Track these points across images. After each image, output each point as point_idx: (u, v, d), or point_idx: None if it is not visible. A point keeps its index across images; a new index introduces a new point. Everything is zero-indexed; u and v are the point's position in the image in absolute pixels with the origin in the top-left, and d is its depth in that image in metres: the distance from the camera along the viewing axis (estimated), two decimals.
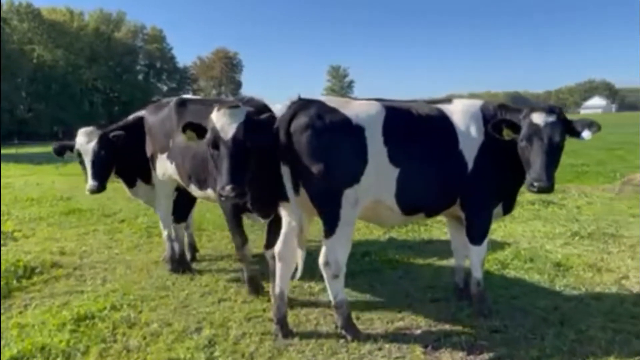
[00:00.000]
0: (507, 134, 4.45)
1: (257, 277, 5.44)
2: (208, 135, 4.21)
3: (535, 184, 4.22)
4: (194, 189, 5.68)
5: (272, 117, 4.33)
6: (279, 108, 4.62)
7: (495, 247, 7.04)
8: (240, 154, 4.09)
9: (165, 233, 6.50)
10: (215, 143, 4.15)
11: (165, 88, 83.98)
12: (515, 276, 5.92)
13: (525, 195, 11.34)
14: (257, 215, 5.03)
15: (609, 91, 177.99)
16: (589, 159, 19.42)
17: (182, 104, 5.73)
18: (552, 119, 4.30)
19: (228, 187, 3.97)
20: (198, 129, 4.39)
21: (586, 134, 4.37)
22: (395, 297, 5.37)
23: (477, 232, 4.77)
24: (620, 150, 22.19)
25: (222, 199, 4.06)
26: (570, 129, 4.38)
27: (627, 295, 5.26)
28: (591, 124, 4.37)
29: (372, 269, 6.29)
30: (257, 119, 4.27)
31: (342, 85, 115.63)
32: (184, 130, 4.42)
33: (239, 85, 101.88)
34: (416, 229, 8.25)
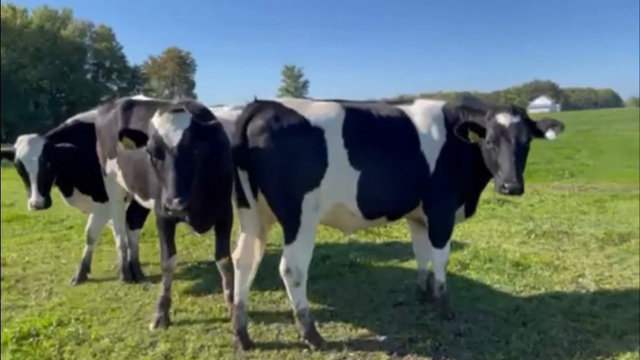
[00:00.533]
0: (472, 137, 4.41)
1: (169, 308, 4.90)
2: (149, 143, 3.90)
3: (507, 185, 4.19)
4: (138, 199, 5.33)
5: (219, 123, 4.12)
6: (226, 110, 4.43)
7: (455, 247, 7.04)
8: (186, 163, 3.82)
9: (118, 241, 6.17)
10: (159, 151, 3.85)
11: (115, 88, 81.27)
12: (476, 277, 5.93)
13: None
14: (194, 229, 4.77)
15: (554, 91, 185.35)
16: (539, 157, 20.01)
17: (129, 106, 5.35)
18: (517, 119, 4.30)
19: (175, 201, 3.69)
20: (137, 136, 4.07)
21: (550, 134, 4.39)
22: (357, 302, 5.26)
23: (439, 234, 4.72)
24: (567, 149, 22.99)
25: (169, 212, 3.78)
26: (534, 129, 4.39)
27: (584, 293, 5.34)
28: (554, 124, 4.39)
29: (333, 273, 6.16)
30: (204, 124, 4.02)
31: (297, 85, 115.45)
32: (120, 137, 4.08)
33: (192, 85, 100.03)
34: (376, 230, 8.18)
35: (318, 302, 5.26)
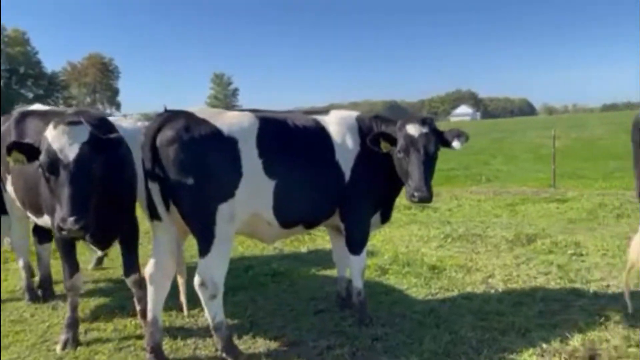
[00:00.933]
0: (384, 147, 4.55)
1: (77, 328, 4.65)
2: (42, 158, 3.67)
3: (416, 194, 4.36)
4: (30, 216, 5.01)
5: (120, 136, 3.98)
6: (130, 122, 4.29)
7: (376, 252, 7.23)
8: (83, 179, 3.62)
9: (20, 261, 5.78)
10: (53, 167, 3.63)
11: (31, 95, 76.70)
12: (395, 281, 6.10)
13: (402, 200, 11.89)
14: (95, 246, 4.57)
15: (474, 100, 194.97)
16: (457, 163, 20.95)
17: (22, 118, 4.97)
18: (425, 130, 4.48)
19: (70, 220, 3.49)
20: (28, 150, 3.79)
21: (456, 143, 4.61)
22: (278, 312, 5.25)
23: (355, 241, 4.82)
24: (484, 155, 24.22)
25: (63, 232, 3.56)
26: (442, 139, 4.60)
27: (493, 293, 5.63)
28: (460, 135, 4.61)
29: (255, 284, 6.12)
30: (103, 137, 3.84)
31: (226, 93, 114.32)
32: (8, 151, 3.77)
33: (116, 92, 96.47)
34: (301, 238, 8.22)
35: (238, 313, 5.20)
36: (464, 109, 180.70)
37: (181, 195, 3.89)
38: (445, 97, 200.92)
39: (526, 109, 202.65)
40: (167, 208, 3.99)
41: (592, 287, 5.72)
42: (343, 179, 4.59)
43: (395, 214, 10.03)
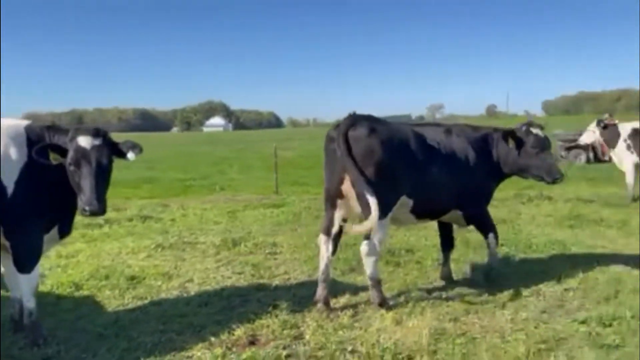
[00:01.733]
0: (54, 158, 4.39)
1: None
2: None
3: (87, 208, 4.29)
4: None
5: None
6: None
7: (76, 269, 6.90)
8: None
9: None
10: None
11: None
12: (87, 296, 5.92)
13: (125, 212, 11.60)
14: None
15: (226, 112, 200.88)
16: (197, 173, 21.40)
17: None
18: (98, 142, 4.45)
19: None
20: None
21: (130, 155, 4.71)
22: None
23: (24, 260, 4.51)
24: (222, 165, 25.22)
25: None
26: (116, 150, 4.65)
27: (185, 297, 5.90)
28: (134, 146, 4.74)
29: None
30: None
31: None
32: None
33: None
34: None
35: None
36: (217, 120, 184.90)
37: None
38: (198, 107, 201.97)
39: (274, 122, 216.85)
40: None
41: (275, 281, 6.49)
42: (5, 193, 4.29)
43: (113, 227, 9.85)
